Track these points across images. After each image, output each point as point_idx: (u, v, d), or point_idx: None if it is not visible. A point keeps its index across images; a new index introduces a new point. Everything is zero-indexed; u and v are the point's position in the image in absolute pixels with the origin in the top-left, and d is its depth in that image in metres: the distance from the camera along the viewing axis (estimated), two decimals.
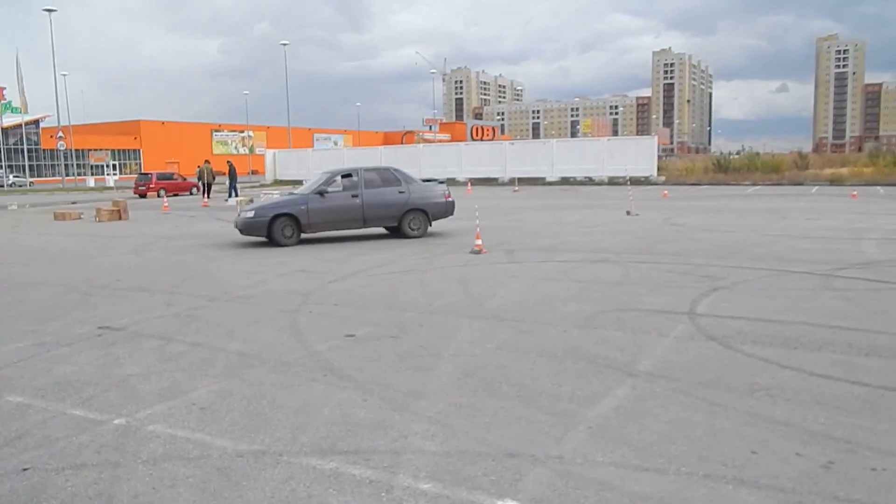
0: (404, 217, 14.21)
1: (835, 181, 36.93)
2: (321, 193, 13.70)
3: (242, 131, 76.80)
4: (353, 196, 13.93)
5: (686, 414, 4.29)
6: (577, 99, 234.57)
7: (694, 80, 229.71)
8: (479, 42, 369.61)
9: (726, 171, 44.44)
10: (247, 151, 72.60)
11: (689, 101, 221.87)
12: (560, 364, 5.33)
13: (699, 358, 5.45)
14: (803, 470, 3.52)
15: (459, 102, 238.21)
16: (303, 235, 13.80)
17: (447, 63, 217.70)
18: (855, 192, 27.03)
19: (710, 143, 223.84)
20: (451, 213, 15.18)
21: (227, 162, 32.53)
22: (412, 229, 14.24)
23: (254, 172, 66.87)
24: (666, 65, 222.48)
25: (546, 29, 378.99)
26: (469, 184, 37.01)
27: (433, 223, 14.90)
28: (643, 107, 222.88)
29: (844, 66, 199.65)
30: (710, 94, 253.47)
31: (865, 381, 4.83)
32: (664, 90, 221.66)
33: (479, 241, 11.68)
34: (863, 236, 13.22)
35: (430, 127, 78.96)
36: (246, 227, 13.51)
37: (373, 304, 7.71)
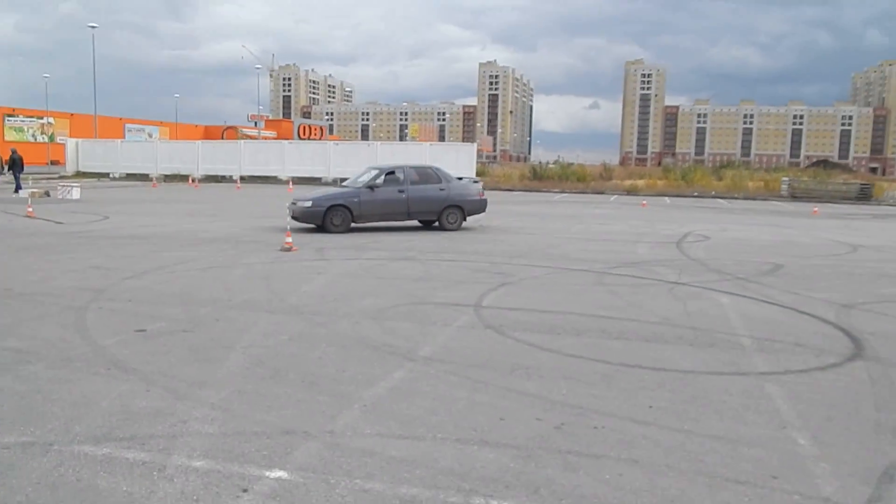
0: (443, 212, 15.66)
1: (631, 191, 40.61)
2: (371, 188, 15.03)
3: (41, 118, 69.99)
4: (400, 191, 15.24)
5: (452, 391, 4.79)
6: (405, 104, 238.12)
7: (517, 92, 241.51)
8: (309, 41, 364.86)
9: (541, 179, 47.48)
10: (46, 140, 66.36)
11: (511, 112, 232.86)
12: (347, 352, 5.68)
13: (474, 344, 6.04)
14: (539, 431, 4.11)
15: (287, 100, 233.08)
16: (353, 225, 14.85)
17: (275, 59, 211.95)
18: (645, 202, 30.02)
19: (529, 153, 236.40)
20: (484, 210, 16.69)
21: (11, 150, 29.47)
22: (449, 223, 15.71)
23: (54, 163, 61.28)
24: (491, 76, 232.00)
25: (376, 33, 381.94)
26: (291, 182, 36.56)
27: (468, 218, 16.17)
28: (469, 115, 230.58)
29: (648, 88, 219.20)
30: (531, 107, 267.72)
31: (608, 360, 5.63)
32: (489, 100, 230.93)
33: (290, 239, 11.79)
34: (640, 240, 14.87)
35: (256, 123, 76.68)
36: (303, 215, 14.54)
37: (169, 300, 7.62)
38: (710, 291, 8.89)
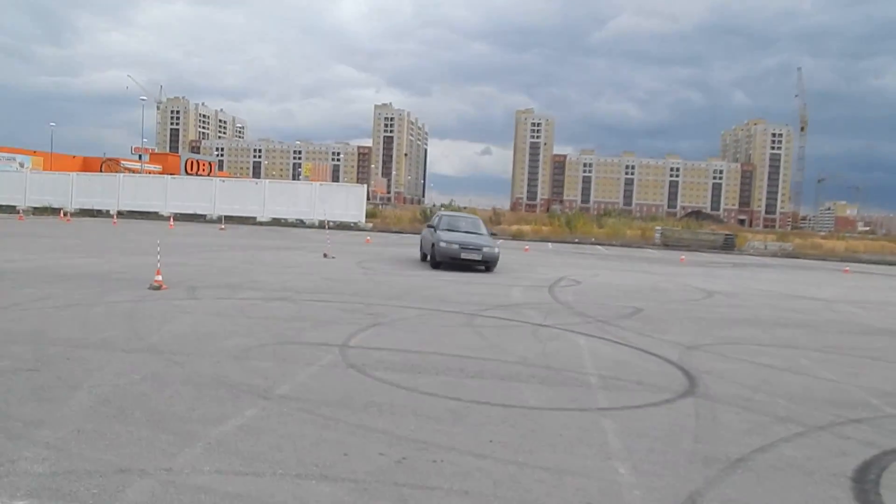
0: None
1: (517, 236, 41.93)
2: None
3: None
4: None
5: (301, 428, 4.86)
6: (299, 142, 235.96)
7: (411, 135, 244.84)
8: (200, 74, 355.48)
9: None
10: None
11: (406, 154, 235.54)
12: (201, 391, 5.63)
13: (334, 382, 6.13)
14: (380, 465, 4.26)
15: (175, 133, 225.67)
16: None
17: (163, 91, 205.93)
18: (527, 247, 31.13)
19: (424, 195, 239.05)
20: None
21: None
22: None
23: None
24: (386, 118, 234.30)
25: (270, 69, 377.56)
26: (172, 219, 35.42)
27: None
28: (364, 156, 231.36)
29: (538, 137, 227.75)
30: (426, 150, 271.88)
31: (461, 397, 5.87)
32: (384, 142, 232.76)
33: (160, 278, 11.47)
34: (516, 283, 15.43)
35: (140, 156, 73.75)
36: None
37: (19, 338, 7.25)
38: (571, 333, 9.37)
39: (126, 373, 6.08)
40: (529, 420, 5.36)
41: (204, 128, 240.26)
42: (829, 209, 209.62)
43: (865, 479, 4.51)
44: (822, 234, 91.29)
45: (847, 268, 29.89)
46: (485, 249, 17.70)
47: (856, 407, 6.33)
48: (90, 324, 8.28)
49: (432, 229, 18.72)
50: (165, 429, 4.70)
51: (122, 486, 3.75)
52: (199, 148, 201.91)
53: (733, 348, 8.97)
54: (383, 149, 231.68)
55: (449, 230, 18.56)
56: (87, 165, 68.44)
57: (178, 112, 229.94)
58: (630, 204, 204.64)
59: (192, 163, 69.46)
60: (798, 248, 42.25)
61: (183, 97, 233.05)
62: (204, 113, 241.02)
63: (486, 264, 17.73)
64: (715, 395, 6.43)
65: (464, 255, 17.35)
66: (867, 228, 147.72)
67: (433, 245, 17.92)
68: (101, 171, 58.46)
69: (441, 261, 17.48)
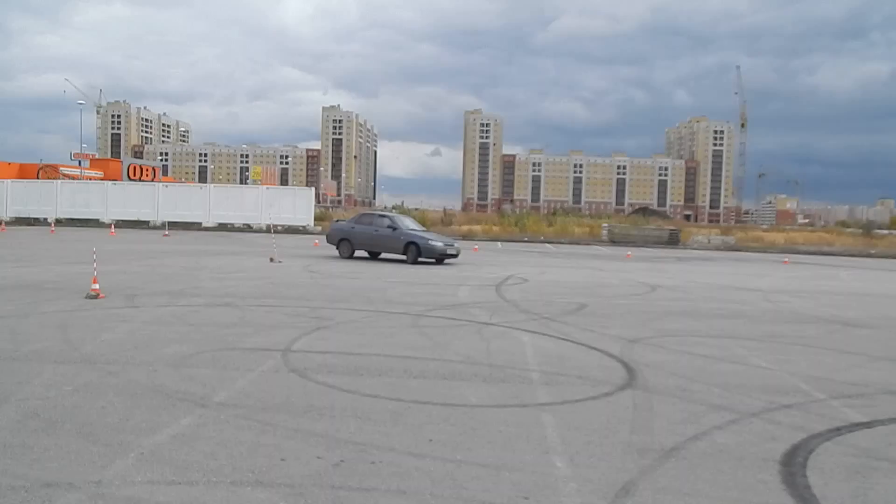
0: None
1: (468, 236, 42.07)
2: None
3: None
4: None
5: (238, 434, 4.80)
6: (245, 146, 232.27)
7: (360, 137, 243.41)
8: (141, 77, 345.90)
9: None
10: None
11: (356, 156, 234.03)
12: (135, 401, 5.51)
13: (274, 388, 6.06)
14: (317, 469, 4.23)
15: (117, 138, 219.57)
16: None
17: (103, 95, 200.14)
18: (476, 246, 31.27)
19: (374, 198, 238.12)
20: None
21: None
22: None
23: None
24: (335, 121, 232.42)
25: (214, 73, 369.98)
26: (113, 226, 34.51)
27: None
28: (313, 158, 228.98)
29: (487, 137, 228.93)
30: (376, 152, 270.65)
31: (402, 398, 5.87)
32: (333, 144, 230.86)
33: (97, 286, 11.17)
34: (464, 283, 15.50)
35: (80, 162, 71.56)
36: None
37: None
38: (516, 331, 9.46)
39: (57, 384, 5.91)
40: (470, 418, 5.39)
41: (146, 132, 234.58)
42: (770, 203, 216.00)
43: (793, 462, 4.67)
44: (764, 227, 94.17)
45: (786, 259, 30.87)
46: (455, 245, 21.71)
47: (787, 393, 6.54)
48: (21, 335, 8.01)
49: (390, 228, 21.26)
50: (96, 440, 4.58)
51: (47, 501, 3.64)
52: (142, 153, 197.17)
53: (673, 340, 9.17)
54: (332, 151, 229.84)
55: (417, 230, 21.80)
56: (24, 172, 66.17)
57: (118, 116, 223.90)
58: (579, 202, 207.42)
59: (134, 168, 67.74)
60: (740, 242, 43.48)
61: (124, 101, 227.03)
62: (146, 117, 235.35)
63: (456, 257, 21.25)
64: (653, 387, 6.57)
65: (449, 252, 20.75)
66: (806, 221, 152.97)
67: (412, 243, 20.50)
68: (38, 177, 56.60)
69: (427, 258, 20.40)
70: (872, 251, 39.35)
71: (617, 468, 4.44)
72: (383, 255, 21.60)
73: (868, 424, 5.60)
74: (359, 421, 5.19)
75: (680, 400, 6.15)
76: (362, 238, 21.59)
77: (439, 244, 20.64)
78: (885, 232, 59.29)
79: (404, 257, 20.55)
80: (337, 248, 22.04)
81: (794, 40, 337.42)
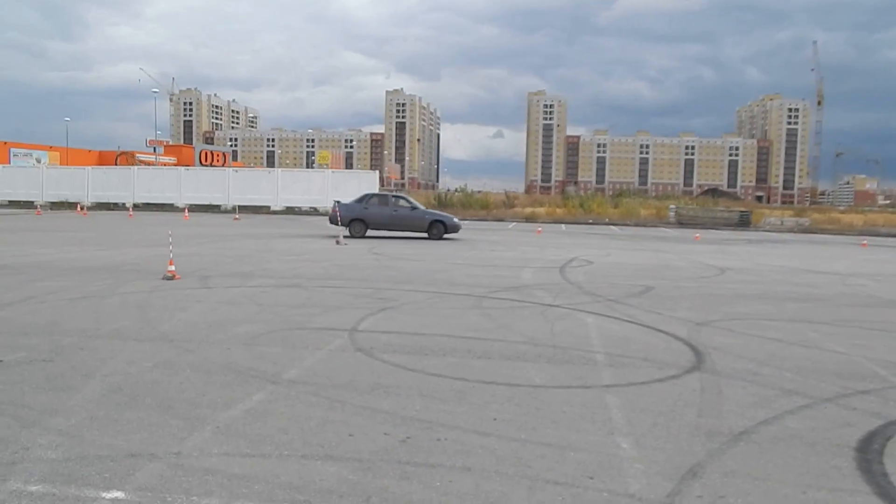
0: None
1: (531, 219, 41.86)
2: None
3: None
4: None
5: (308, 410, 4.95)
6: (311, 130, 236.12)
7: (423, 120, 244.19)
8: (209, 65, 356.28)
9: (445, 206, 48.17)
10: None
11: (419, 140, 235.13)
12: (210, 377, 5.74)
13: (341, 366, 6.21)
14: (384, 445, 4.33)
15: (189, 125, 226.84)
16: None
17: (175, 83, 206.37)
18: (540, 229, 31.08)
19: (437, 181, 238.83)
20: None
21: None
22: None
23: None
24: (398, 104, 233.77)
25: (279, 59, 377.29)
26: (186, 210, 35.69)
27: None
28: (377, 142, 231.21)
29: (550, 118, 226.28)
30: (438, 135, 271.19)
31: (467, 378, 5.93)
32: (396, 128, 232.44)
33: (172, 267, 11.62)
34: (527, 265, 15.46)
35: (155, 149, 74.30)
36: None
37: (33, 330, 7.40)
38: (580, 312, 9.40)
39: (137, 361, 6.20)
40: (534, 398, 5.41)
41: (217, 118, 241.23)
42: (847, 183, 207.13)
43: (869, 449, 4.52)
44: (842, 208, 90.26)
45: (865, 241, 29.59)
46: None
47: (863, 378, 6.32)
48: (103, 314, 8.42)
49: (409, 208, 23.48)
50: (175, 414, 4.80)
51: (132, 470, 3.85)
52: (212, 139, 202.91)
53: (742, 323, 8.95)
54: (396, 135, 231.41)
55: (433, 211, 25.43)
56: (103, 159, 69.11)
57: (190, 104, 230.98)
58: (645, 183, 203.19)
59: (206, 154, 69.94)
60: (815, 223, 41.83)
61: (195, 88, 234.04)
62: (216, 104, 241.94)
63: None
64: (721, 370, 6.44)
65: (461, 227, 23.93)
66: (887, 202, 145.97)
67: (438, 222, 23.21)
68: (116, 164, 58.95)
69: (451, 234, 23.32)
70: None
71: (684, 451, 4.39)
72: (395, 234, 23.32)
73: None
74: (424, 399, 5.28)
75: (750, 384, 6.02)
76: (379, 218, 23.00)
77: (459, 221, 23.94)
78: None
79: (424, 235, 23.00)
80: (348, 228, 22.66)
81: (872, 13, 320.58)
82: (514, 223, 38.71)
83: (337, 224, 22.59)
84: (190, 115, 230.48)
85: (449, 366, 6.32)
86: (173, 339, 7.09)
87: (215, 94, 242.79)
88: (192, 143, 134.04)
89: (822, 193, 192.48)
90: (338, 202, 23.49)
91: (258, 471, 3.88)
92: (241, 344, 6.96)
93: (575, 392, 5.63)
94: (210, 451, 4.14)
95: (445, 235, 23.03)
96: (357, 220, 22.86)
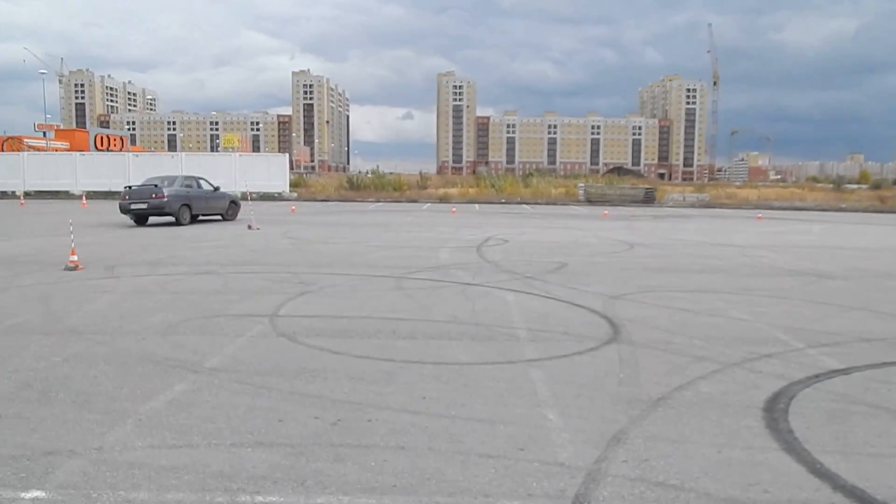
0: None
1: (444, 199, 42.06)
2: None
3: None
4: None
5: (234, 398, 4.84)
6: (214, 112, 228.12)
7: (332, 102, 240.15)
8: (101, 45, 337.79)
9: (357, 188, 47.84)
10: None
11: (328, 121, 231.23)
12: (127, 369, 5.52)
13: (265, 352, 6.10)
14: (315, 429, 4.30)
15: (81, 108, 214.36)
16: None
17: (64, 64, 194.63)
18: (454, 209, 31.30)
19: (348, 163, 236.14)
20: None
21: None
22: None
23: None
24: (305, 86, 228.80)
25: (176, 39, 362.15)
26: (84, 197, 33.92)
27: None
28: (284, 125, 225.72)
29: (460, 99, 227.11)
30: (348, 117, 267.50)
31: (393, 358, 5.94)
32: (304, 110, 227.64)
33: (75, 257, 11.05)
34: (444, 245, 15.56)
35: (45, 133, 69.98)
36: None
37: None
38: (499, 290, 9.56)
39: (46, 356, 5.89)
40: (461, 375, 5.48)
41: (112, 101, 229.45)
42: (742, 160, 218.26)
43: (775, 409, 4.83)
44: (737, 184, 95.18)
45: (760, 215, 31.33)
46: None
47: (766, 343, 6.72)
48: (1, 309, 7.93)
49: (213, 189, 22.82)
50: (92, 409, 4.60)
51: (50, 468, 3.67)
52: (108, 122, 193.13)
53: (654, 296, 9.33)
54: (304, 117, 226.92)
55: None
56: None
57: (82, 85, 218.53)
58: (554, 163, 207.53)
59: (101, 138, 66.38)
60: (714, 199, 43.97)
61: (86, 69, 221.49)
62: (110, 85, 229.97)
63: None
64: (637, 341, 6.71)
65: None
66: (778, 177, 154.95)
67: (234, 202, 23.56)
68: (2, 150, 55.24)
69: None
70: (843, 205, 40.09)
71: (607, 419, 4.56)
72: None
73: (845, 371, 5.78)
74: (352, 381, 5.26)
75: (664, 352, 6.30)
76: (199, 202, 21.79)
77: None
78: (855, 186, 60.31)
79: (219, 217, 22.88)
80: (175, 216, 20.50)
81: None
82: (429, 204, 38.81)
83: (141, 213, 20.34)
84: (82, 98, 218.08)
85: (374, 347, 6.31)
86: (82, 332, 6.76)
87: (109, 76, 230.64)
88: (85, 128, 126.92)
89: (720, 170, 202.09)
90: (155, 185, 20.62)
91: (187, 461, 3.78)
92: (157, 334, 6.71)
93: (500, 368, 5.74)
94: (134, 445, 4.00)
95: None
96: (185, 206, 20.89)
